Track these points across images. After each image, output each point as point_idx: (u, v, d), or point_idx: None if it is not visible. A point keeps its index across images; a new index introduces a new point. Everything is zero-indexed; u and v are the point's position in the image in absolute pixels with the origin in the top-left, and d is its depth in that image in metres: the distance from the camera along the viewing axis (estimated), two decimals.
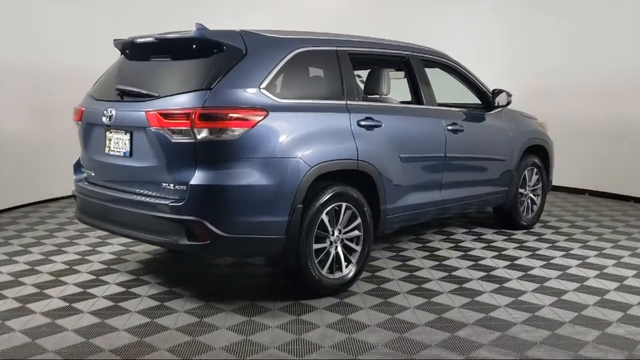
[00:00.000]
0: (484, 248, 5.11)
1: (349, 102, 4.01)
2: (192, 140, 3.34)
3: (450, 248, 5.09)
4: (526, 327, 3.41)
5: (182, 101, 3.39)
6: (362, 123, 4.02)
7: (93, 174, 4.09)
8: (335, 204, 3.83)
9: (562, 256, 4.90)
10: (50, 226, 5.83)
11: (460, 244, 5.23)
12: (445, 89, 5.64)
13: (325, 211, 3.77)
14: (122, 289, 4.01)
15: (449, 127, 4.74)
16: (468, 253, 4.94)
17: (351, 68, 4.13)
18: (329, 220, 3.82)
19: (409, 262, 4.64)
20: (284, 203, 3.52)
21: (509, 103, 5.33)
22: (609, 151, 7.81)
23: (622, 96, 7.61)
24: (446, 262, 4.66)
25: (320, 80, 4.11)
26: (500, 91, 5.26)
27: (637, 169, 7.56)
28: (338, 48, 4.10)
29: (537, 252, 5.00)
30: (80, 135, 4.17)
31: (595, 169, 8.01)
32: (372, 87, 4.63)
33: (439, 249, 5.05)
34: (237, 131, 3.36)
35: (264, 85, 3.54)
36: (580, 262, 4.74)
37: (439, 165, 4.69)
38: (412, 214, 4.53)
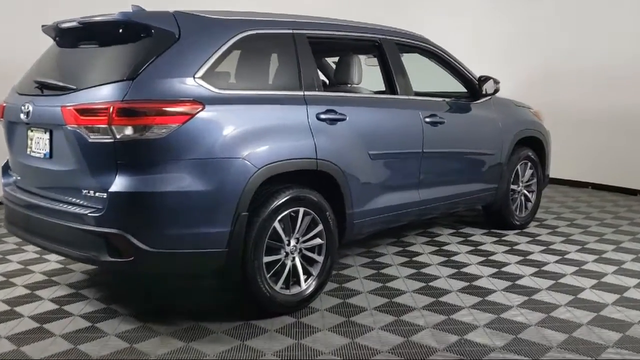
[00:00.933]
0: (469, 252, 4.61)
1: (307, 93, 3.51)
2: (112, 140, 2.85)
3: (432, 252, 4.59)
4: (507, 355, 2.92)
5: (101, 94, 2.90)
6: (323, 116, 3.52)
7: (19, 178, 3.62)
8: (291, 209, 3.35)
9: (557, 262, 4.39)
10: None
11: (443, 247, 4.72)
12: (428, 76, 5.15)
13: (278, 218, 3.29)
14: (54, 307, 3.54)
15: (427, 119, 4.23)
16: (451, 258, 4.44)
17: (311, 54, 3.62)
18: (283, 229, 3.34)
19: (383, 270, 4.15)
20: (225, 211, 3.03)
21: (496, 91, 4.81)
22: (614, 141, 7.28)
23: (629, 84, 7.06)
24: (425, 270, 4.17)
25: (272, 68, 3.61)
26: (487, 78, 4.74)
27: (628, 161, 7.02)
28: (295, 31, 3.59)
29: (528, 257, 4.50)
30: (4, 134, 3.70)
31: (599, 160, 7.48)
32: (341, 75, 4.15)
33: (419, 254, 4.55)
34: (165, 128, 2.87)
35: (199, 74, 3.05)
36: (576, 269, 4.23)
37: (415, 161, 4.18)
38: (386, 217, 4.03)
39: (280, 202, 3.27)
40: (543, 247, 4.77)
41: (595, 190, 7.49)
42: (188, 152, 2.92)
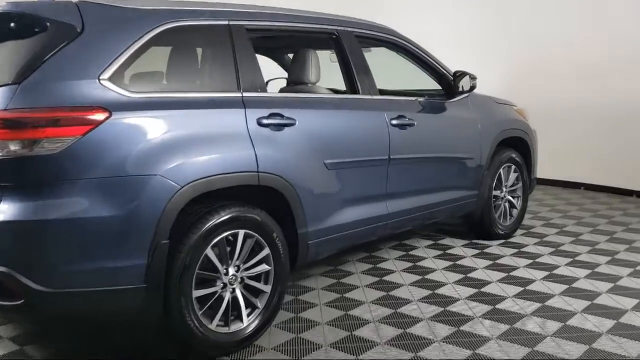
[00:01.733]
0: (447, 268, 4.11)
1: (246, 94, 3.00)
2: None
3: (406, 270, 4.09)
4: None
5: None
6: (266, 121, 3.01)
7: None
8: (228, 232, 2.84)
9: (544, 278, 3.89)
10: None
11: (419, 263, 4.22)
12: (400, 73, 4.66)
13: (211, 244, 2.78)
14: None
15: (394, 122, 3.72)
16: (425, 277, 3.94)
17: (251, 48, 3.11)
18: (219, 256, 2.83)
19: (348, 294, 3.64)
20: (139, 240, 2.52)
21: (472, 88, 4.31)
22: (608, 139, 6.80)
23: (625, 78, 6.56)
24: (395, 292, 3.66)
25: (201, 65, 3.09)
26: (462, 74, 4.24)
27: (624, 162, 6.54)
28: (231, 22, 3.08)
29: (512, 274, 4.00)
30: None
31: (593, 159, 6.99)
32: (295, 74, 3.65)
33: (390, 272, 4.05)
34: (60, 142, 2.36)
35: (106, 74, 2.53)
36: (565, 287, 3.73)
37: (381, 170, 3.67)
38: (349, 235, 3.53)
39: (213, 225, 2.76)
40: (529, 261, 4.27)
41: (589, 192, 7.01)
42: (89, 170, 2.41)
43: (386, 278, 3.93)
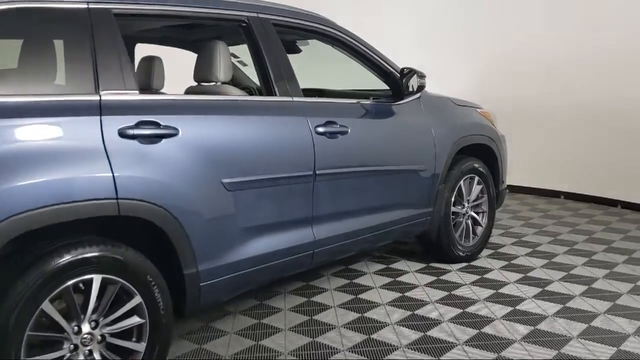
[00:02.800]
0: (392, 303, 3.44)
1: (106, 97, 2.31)
2: None
3: (343, 305, 3.41)
4: None
5: None
6: (132, 132, 2.33)
7: None
8: (77, 279, 2.16)
9: (505, 317, 3.23)
10: None
11: (361, 295, 3.55)
12: (347, 71, 4.01)
13: (50, 296, 2.10)
14: None
15: (320, 129, 3.05)
16: (365, 315, 3.27)
17: (118, 38, 2.43)
18: (65, 309, 2.16)
19: (267, 340, 2.96)
20: None
21: (421, 87, 3.65)
22: (591, 144, 6.15)
23: (611, 76, 5.93)
24: (321, 339, 2.98)
25: (42, 59, 2.39)
26: (410, 71, 3.57)
27: (627, 166, 5.88)
28: (92, 5, 2.39)
29: (468, 310, 3.33)
30: None
31: (574, 165, 6.34)
32: (200, 70, 3.00)
33: (326, 308, 3.37)
34: None
35: None
36: (530, 329, 3.07)
37: (304, 188, 3.00)
38: (259, 271, 2.85)
39: (52, 270, 2.08)
40: (491, 292, 3.61)
41: (569, 201, 6.36)
42: None
43: (317, 317, 3.25)
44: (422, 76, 3.57)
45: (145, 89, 2.95)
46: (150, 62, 3.37)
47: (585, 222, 5.38)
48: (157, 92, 2.95)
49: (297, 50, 4.08)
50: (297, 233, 3.00)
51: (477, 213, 4.29)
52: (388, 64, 3.64)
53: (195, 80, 3.09)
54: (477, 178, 4.20)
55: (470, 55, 6.93)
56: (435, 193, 3.84)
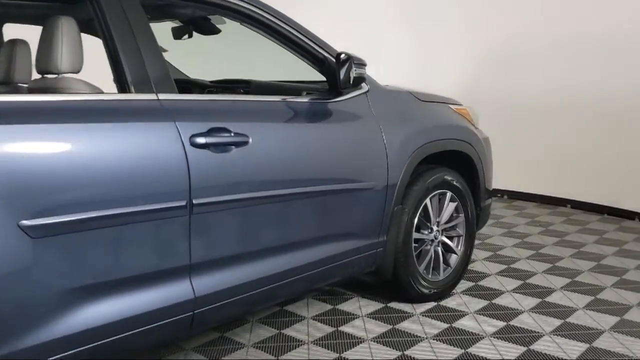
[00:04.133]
0: None
1: None
2: None
3: None
4: None
5: None
6: None
7: None
8: None
9: None
10: None
11: (285, 357, 2.66)
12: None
13: None
14: None
15: (199, 140, 2.14)
16: None
17: None
18: None
19: None
20: None
21: (358, 80, 2.71)
22: (606, 146, 5.20)
23: (606, 66, 4.97)
24: None
25: None
26: (347, 57, 2.65)
27: (626, 176, 4.93)
28: None
29: None
30: None
31: (584, 170, 5.38)
32: (39, 57, 2.13)
33: None
34: None
35: None
36: None
37: (174, 225, 2.11)
38: (94, 349, 1.96)
39: None
40: (459, 352, 2.70)
41: (577, 211, 5.41)
42: None
43: None
44: (360, 64, 2.65)
45: (44, 71, 2.10)
46: (12, 47, 2.51)
47: (594, 240, 4.43)
48: (61, 77, 2.09)
49: (215, 30, 3.20)
50: (164, 290, 2.12)
51: (451, 238, 3.39)
52: (321, 48, 2.73)
53: (37, 72, 2.23)
54: (449, 194, 3.29)
55: (463, 41, 5.97)
56: (388, 217, 2.94)
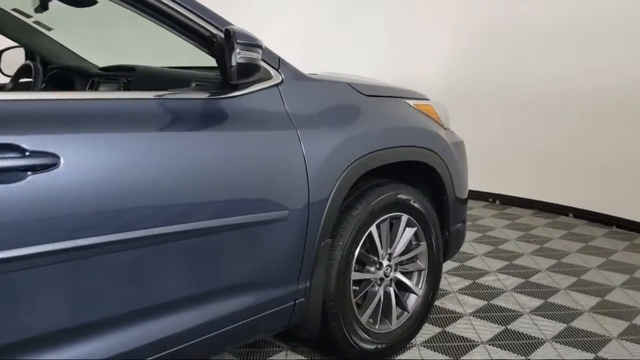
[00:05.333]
0: None
1: None
2: None
3: None
4: None
5: None
6: None
7: None
8: None
9: None
10: None
11: None
12: None
13: None
14: None
15: None
16: None
17: None
18: None
19: None
20: None
21: (251, 70, 1.88)
22: (622, 145, 4.37)
23: (613, 51, 4.13)
24: None
25: None
26: (230, 33, 1.82)
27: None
28: None
29: None
30: None
31: (592, 174, 4.56)
32: None
33: None
34: None
35: None
36: None
37: None
38: None
39: None
40: None
41: (579, 221, 4.59)
42: None
43: None
44: (251, 45, 1.83)
45: None
46: None
47: (597, 266, 3.61)
48: None
49: (90, 2, 2.40)
50: None
51: (408, 273, 2.60)
52: (210, 22, 1.92)
53: None
54: (405, 217, 2.50)
55: (444, 24, 5.14)
56: (311, 256, 2.14)
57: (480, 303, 3.05)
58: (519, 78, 4.79)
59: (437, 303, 3.00)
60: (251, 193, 1.94)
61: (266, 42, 1.95)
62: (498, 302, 3.06)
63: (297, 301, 2.14)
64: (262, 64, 1.91)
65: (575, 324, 2.80)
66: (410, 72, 5.11)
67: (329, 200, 2.14)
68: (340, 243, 2.25)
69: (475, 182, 5.08)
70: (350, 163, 2.21)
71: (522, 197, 5.02)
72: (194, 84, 2.12)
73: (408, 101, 2.61)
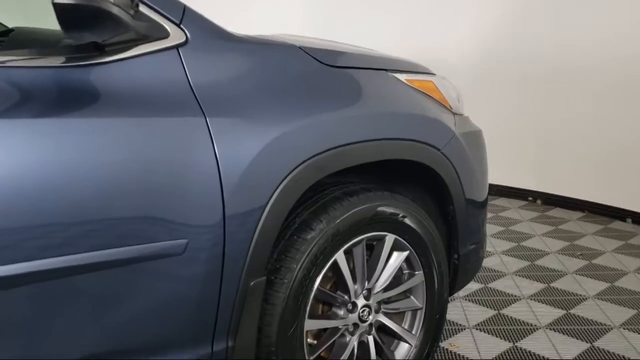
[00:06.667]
0: None
1: None
2: None
3: None
4: None
5: None
6: None
7: None
8: None
9: None
10: None
11: None
12: None
13: None
14: None
15: None
16: None
17: None
18: None
19: None
20: None
21: (95, 17, 1.19)
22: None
23: None
24: None
25: None
26: None
27: None
28: None
29: None
30: None
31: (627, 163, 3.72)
32: None
33: None
34: None
35: None
36: None
37: None
38: None
39: None
40: None
41: (636, 228, 3.75)
42: None
43: None
44: None
45: None
46: None
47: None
48: None
49: None
50: None
51: (395, 314, 1.88)
52: None
53: None
54: (390, 238, 1.77)
55: None
56: (233, 303, 1.44)
57: (501, 344, 2.29)
58: (572, 48, 3.95)
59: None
60: (122, 213, 1.26)
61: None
62: (530, 343, 2.30)
63: None
64: (120, 12, 1.20)
65: None
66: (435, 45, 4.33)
67: (261, 221, 1.44)
68: (285, 280, 1.55)
69: (514, 177, 4.33)
70: (297, 164, 1.50)
71: (570, 197, 4.17)
72: (61, 45, 1.43)
73: (398, 75, 1.86)
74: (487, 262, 3.13)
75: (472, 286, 2.83)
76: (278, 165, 1.46)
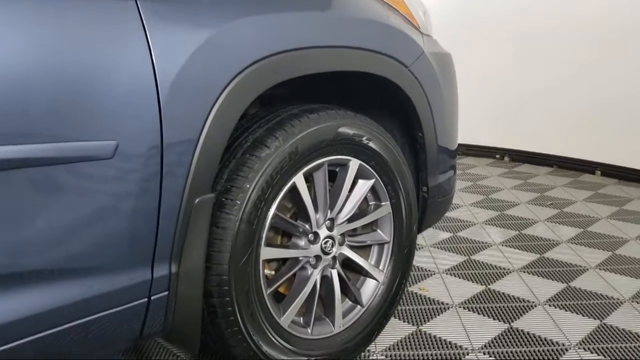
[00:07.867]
0: None
1: None
2: None
3: None
4: None
5: None
6: None
7: None
8: None
9: None
10: None
11: None
12: None
13: None
14: None
15: None
16: None
17: None
18: None
19: None
20: None
21: None
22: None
23: None
24: None
25: None
26: None
27: None
28: None
29: None
30: None
31: (614, 122, 3.64)
32: None
33: None
34: None
35: None
36: None
37: None
38: None
39: None
40: None
41: (605, 180, 3.69)
42: None
43: None
44: None
45: None
46: None
47: (637, 237, 2.70)
48: None
49: None
50: None
51: (360, 248, 1.72)
52: None
53: None
54: (354, 163, 1.60)
55: None
56: (176, 223, 1.26)
57: (478, 287, 2.17)
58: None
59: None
60: (37, 107, 1.05)
61: None
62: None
63: (152, 297, 1.27)
64: None
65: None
66: None
67: (206, 126, 1.25)
68: (238, 202, 1.37)
69: (479, 135, 4.22)
70: (248, 65, 1.31)
71: (538, 153, 4.09)
72: None
73: None
74: (455, 214, 3.01)
75: (441, 235, 2.70)
76: (225, 63, 1.28)
